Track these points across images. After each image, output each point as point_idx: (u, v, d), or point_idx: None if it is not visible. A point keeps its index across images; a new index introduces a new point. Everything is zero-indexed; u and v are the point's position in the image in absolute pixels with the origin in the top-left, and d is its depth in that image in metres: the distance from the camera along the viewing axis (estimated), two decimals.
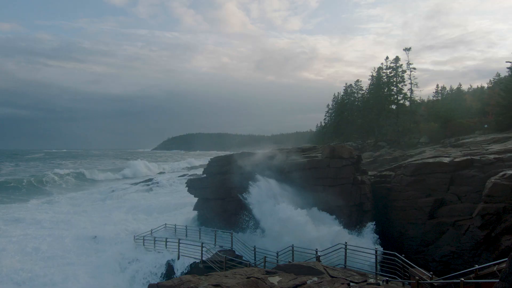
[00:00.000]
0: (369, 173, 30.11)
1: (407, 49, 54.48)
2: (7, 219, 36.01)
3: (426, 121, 55.20)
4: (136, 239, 27.44)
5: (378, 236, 23.82)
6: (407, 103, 56.08)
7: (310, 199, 25.45)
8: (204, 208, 31.20)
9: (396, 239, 24.30)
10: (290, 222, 23.21)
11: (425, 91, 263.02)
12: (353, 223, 24.36)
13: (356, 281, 13.35)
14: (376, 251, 17.07)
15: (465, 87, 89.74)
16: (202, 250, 22.16)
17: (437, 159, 25.65)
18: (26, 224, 34.61)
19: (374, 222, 24.75)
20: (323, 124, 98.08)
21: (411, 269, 14.85)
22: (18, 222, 35.02)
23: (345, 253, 18.03)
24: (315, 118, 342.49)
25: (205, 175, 32.79)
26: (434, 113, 55.08)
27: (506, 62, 47.85)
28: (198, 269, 21.61)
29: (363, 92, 76.22)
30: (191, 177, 45.49)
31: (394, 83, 56.28)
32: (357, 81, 78.08)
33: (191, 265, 22.57)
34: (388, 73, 58.29)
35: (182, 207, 39.86)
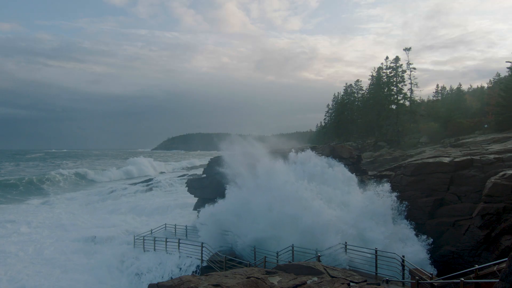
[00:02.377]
0: (369, 173, 30.12)
1: (407, 49, 54.69)
2: (7, 220, 35.99)
3: (426, 121, 55.20)
4: (136, 239, 27.44)
5: (415, 223, 21.85)
6: (407, 103, 56.15)
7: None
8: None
9: None
10: (293, 201, 20.68)
11: (425, 91, 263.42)
12: None
13: (356, 281, 13.32)
14: (376, 251, 17.07)
15: (465, 87, 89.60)
16: (202, 250, 22.19)
17: (437, 159, 25.61)
18: (25, 225, 34.60)
19: (407, 203, 22.47)
20: (323, 124, 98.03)
21: (411, 269, 14.87)
22: (17, 223, 35.00)
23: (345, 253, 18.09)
24: (315, 118, 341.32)
25: (205, 175, 32.79)
26: (434, 113, 55.12)
27: (506, 62, 47.87)
28: (198, 269, 21.64)
29: (363, 92, 76.31)
30: (191, 177, 45.51)
31: (394, 83, 56.33)
32: (357, 81, 78.24)
33: (191, 265, 22.58)
34: (388, 73, 58.37)
35: (182, 207, 39.89)
